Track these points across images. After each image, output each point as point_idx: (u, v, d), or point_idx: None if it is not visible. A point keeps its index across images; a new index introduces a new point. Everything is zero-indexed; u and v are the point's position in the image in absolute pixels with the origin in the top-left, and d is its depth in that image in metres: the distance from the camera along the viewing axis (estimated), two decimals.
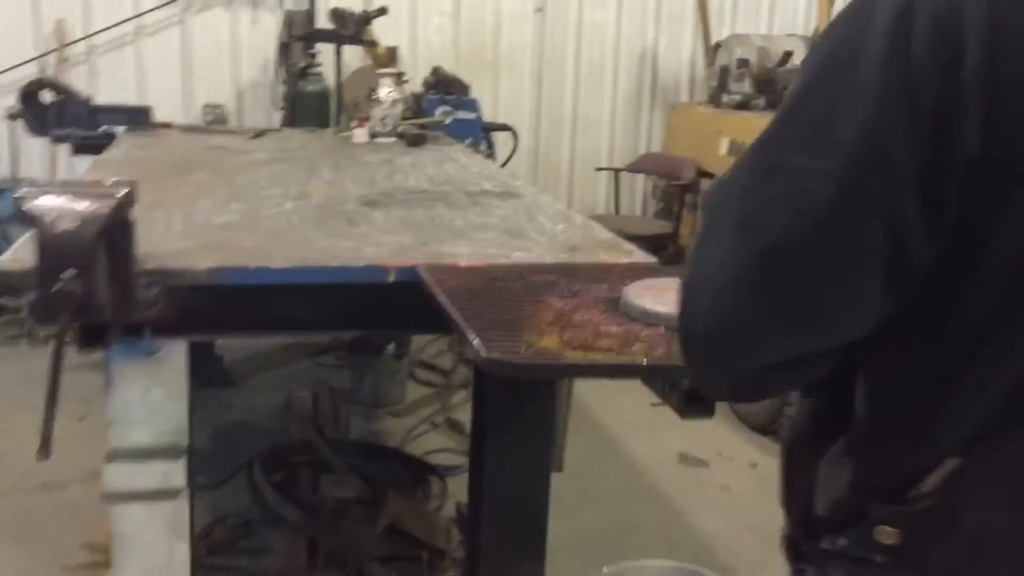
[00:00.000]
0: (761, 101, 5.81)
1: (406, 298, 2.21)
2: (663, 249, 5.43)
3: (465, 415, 3.92)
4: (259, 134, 4.53)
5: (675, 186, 5.80)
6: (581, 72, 6.66)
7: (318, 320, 2.32)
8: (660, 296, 1.94)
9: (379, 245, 2.39)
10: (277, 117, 5.82)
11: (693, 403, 1.70)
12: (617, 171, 6.23)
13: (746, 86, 5.90)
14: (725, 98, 5.95)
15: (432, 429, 4.38)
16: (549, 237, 2.58)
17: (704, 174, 5.64)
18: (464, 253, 2.35)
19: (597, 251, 2.45)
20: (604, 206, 6.67)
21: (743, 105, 5.80)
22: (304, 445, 3.84)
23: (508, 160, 5.73)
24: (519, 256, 2.36)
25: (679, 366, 1.26)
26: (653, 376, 1.72)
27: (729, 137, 5.42)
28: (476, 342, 1.68)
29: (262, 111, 6.03)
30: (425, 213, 2.80)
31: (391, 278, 2.22)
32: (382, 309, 2.31)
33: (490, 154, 5.63)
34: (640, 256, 2.43)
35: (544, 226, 2.71)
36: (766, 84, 5.82)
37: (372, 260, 2.26)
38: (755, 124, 5.18)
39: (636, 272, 2.25)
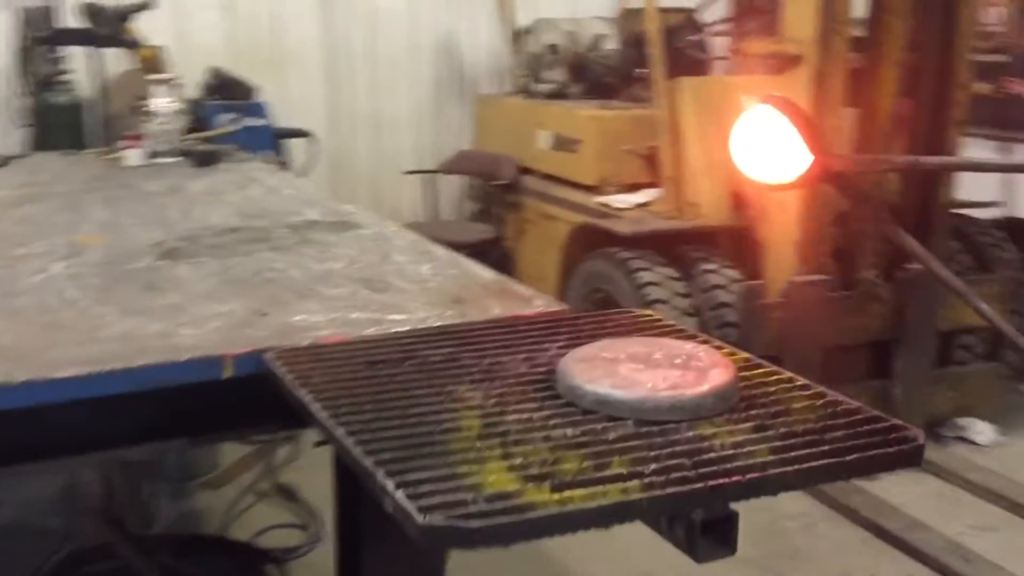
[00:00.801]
0: (576, 88, 5.43)
1: (244, 390, 1.60)
2: (485, 256, 4.97)
3: (296, 476, 3.37)
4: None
5: (494, 186, 5.32)
6: (377, 66, 6.05)
7: (117, 435, 1.67)
8: (611, 371, 1.43)
9: (199, 322, 1.75)
10: (18, 137, 4.84)
11: (710, 538, 1.20)
12: (429, 173, 5.68)
13: (559, 73, 5.50)
14: (537, 87, 5.53)
15: (259, 500, 3.69)
16: (418, 285, 2.02)
17: (525, 171, 5.20)
18: (320, 323, 1.75)
19: (487, 300, 1.91)
20: (413, 212, 6.10)
21: (558, 94, 5.40)
22: (100, 550, 3.07)
23: (307, 170, 5.06)
24: (394, 319, 1.78)
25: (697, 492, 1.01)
26: (658, 511, 1.21)
27: (551, 130, 4.99)
28: (402, 499, 1.10)
29: None
30: (248, 263, 2.16)
31: (226, 373, 1.59)
32: (212, 411, 1.68)
33: (283, 165, 4.94)
34: (542, 300, 1.91)
35: (405, 268, 2.14)
36: (579, 70, 5.44)
37: (196, 349, 1.61)
38: (578, 115, 4.79)
39: (550, 327, 1.73)
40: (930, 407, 3.89)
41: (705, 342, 1.70)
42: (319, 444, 1.66)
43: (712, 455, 1.24)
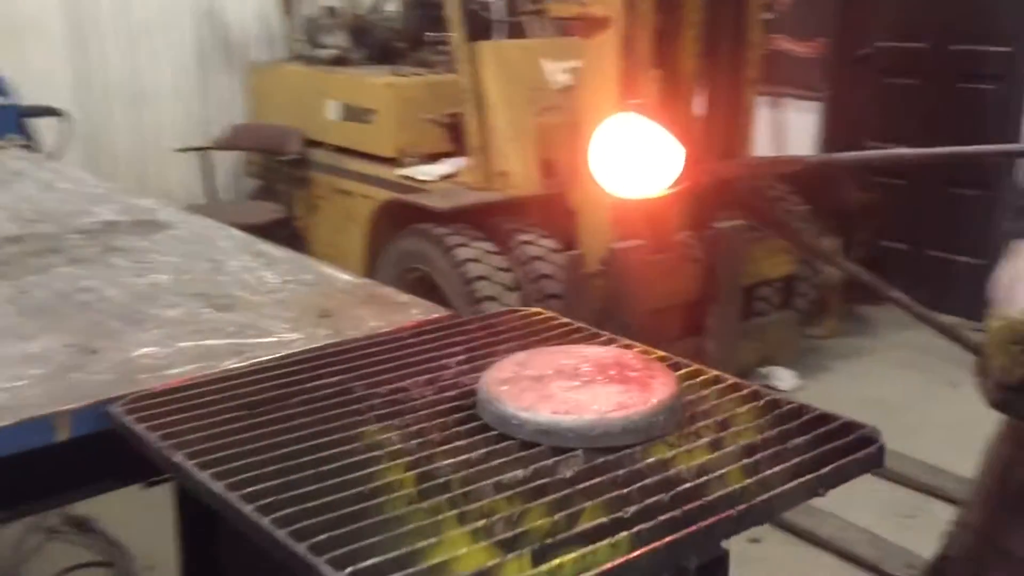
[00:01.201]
0: (359, 54, 5.15)
1: (86, 450, 1.31)
2: (274, 237, 4.63)
3: (92, 508, 2.95)
4: None
5: (280, 162, 4.96)
6: (131, 33, 5.46)
7: None
8: (544, 393, 1.26)
9: (9, 368, 1.41)
10: None
11: None
12: (203, 150, 5.21)
13: (339, 38, 5.19)
14: (317, 53, 5.18)
15: (51, 537, 3.24)
16: (269, 296, 1.75)
17: (312, 143, 4.87)
18: (168, 357, 1.46)
19: (357, 311, 1.68)
20: (187, 193, 5.60)
21: (341, 60, 5.09)
22: None
23: (59, 153, 4.48)
24: (258, 344, 1.52)
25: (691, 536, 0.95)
26: (658, 567, 1.05)
27: (339, 100, 4.69)
28: None
29: None
30: (47, 283, 1.80)
31: (61, 435, 1.28)
32: (41, 476, 1.36)
33: (30, 147, 4.35)
34: (424, 305, 1.71)
35: (244, 276, 1.86)
36: (361, 34, 5.16)
37: (22, 408, 1.29)
38: (371, 84, 4.52)
39: (439, 338, 1.54)
40: (739, 359, 4.00)
41: (611, 340, 1.57)
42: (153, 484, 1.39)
43: (686, 485, 1.10)
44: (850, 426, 1.25)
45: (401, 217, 3.92)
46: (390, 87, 4.39)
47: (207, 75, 5.78)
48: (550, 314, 1.68)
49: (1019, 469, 1.51)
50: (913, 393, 4.21)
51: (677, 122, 3.49)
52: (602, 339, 1.58)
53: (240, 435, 1.21)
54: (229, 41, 5.81)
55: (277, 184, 5.10)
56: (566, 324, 1.64)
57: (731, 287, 3.88)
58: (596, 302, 3.52)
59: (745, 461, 1.17)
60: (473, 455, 1.17)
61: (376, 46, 5.11)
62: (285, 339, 1.54)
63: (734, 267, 3.84)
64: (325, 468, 1.13)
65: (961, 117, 4.81)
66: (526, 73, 4.01)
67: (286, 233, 4.75)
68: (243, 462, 1.14)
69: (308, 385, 1.36)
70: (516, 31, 4.61)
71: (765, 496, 1.09)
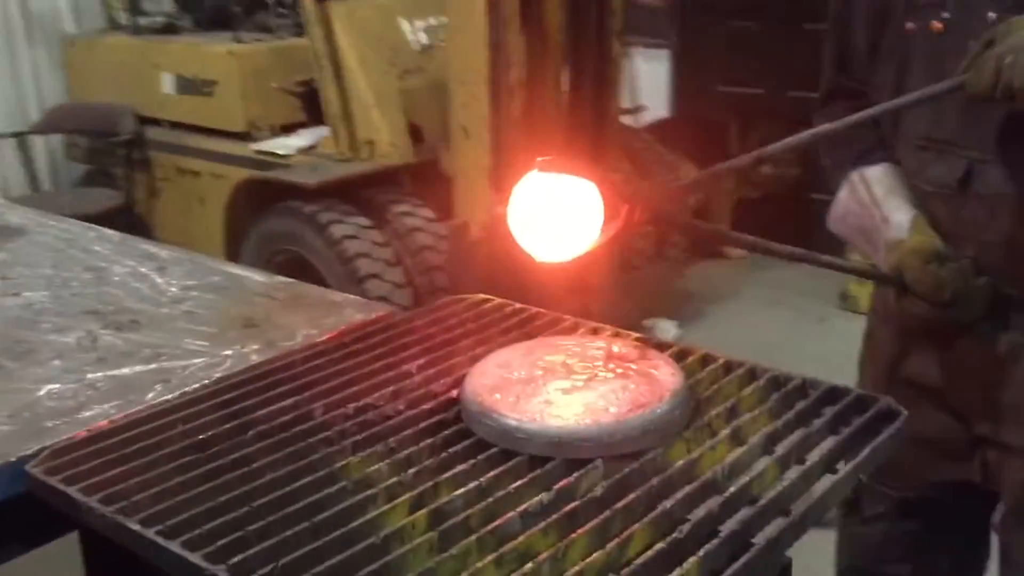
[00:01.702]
0: (187, 20, 4.76)
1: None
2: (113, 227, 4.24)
3: None
4: None
5: (111, 143, 4.54)
6: None
7: None
8: (546, 399, 1.12)
9: None
10: None
11: None
12: (18, 136, 4.71)
13: (165, 4, 4.78)
14: (140, 22, 4.75)
15: None
16: (177, 307, 1.52)
17: (146, 120, 4.48)
18: (77, 393, 1.23)
19: (285, 317, 1.48)
20: (4, 184, 5.07)
21: (170, 28, 4.69)
22: None
23: None
24: (182, 367, 1.30)
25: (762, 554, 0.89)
26: None
27: (174, 72, 4.32)
28: None
29: None
30: None
31: None
32: None
33: None
34: (356, 303, 1.53)
35: (137, 285, 1.62)
36: (191, 0, 4.77)
37: None
38: (211, 53, 4.18)
39: (387, 340, 1.37)
40: (622, 313, 3.97)
41: (575, 325, 1.44)
42: None
43: (731, 490, 0.99)
44: (864, 400, 1.18)
45: (263, 196, 3.65)
46: (232, 55, 4.06)
47: (12, 52, 5.22)
48: (497, 300, 1.54)
49: (905, 364, 1.55)
50: (786, 331, 4.31)
51: (546, 89, 3.42)
52: (566, 324, 1.45)
53: (199, 488, 1.01)
54: (30, 11, 5.24)
55: (110, 168, 4.68)
56: (521, 310, 1.50)
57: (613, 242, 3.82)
58: (482, 270, 3.38)
59: (778, 453, 1.07)
60: (483, 481, 1.02)
61: (207, 11, 4.72)
62: (213, 359, 1.33)
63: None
64: (319, 519, 0.95)
65: (807, 58, 4.89)
66: (383, 34, 3.79)
67: (126, 222, 4.37)
68: (214, 524, 0.95)
69: (259, 414, 1.17)
70: None
71: (817, 494, 1.00)
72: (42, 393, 1.23)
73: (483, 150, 3.42)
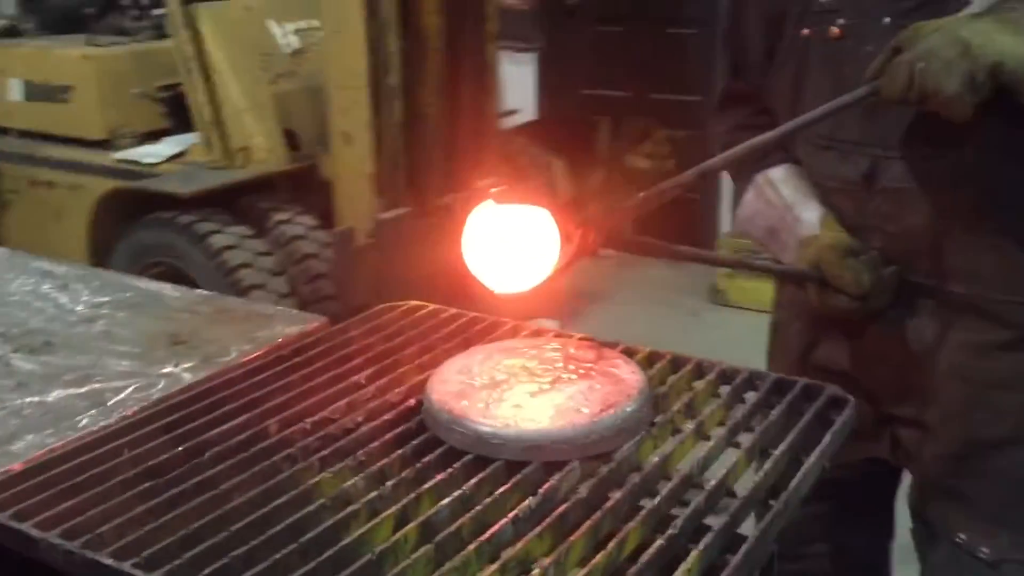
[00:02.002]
0: (31, 23, 4.49)
1: None
2: None
3: None
4: None
5: None
6: None
7: None
8: (518, 403, 1.12)
9: None
10: None
11: None
12: None
13: (5, 6, 4.49)
14: None
15: None
16: (91, 326, 1.43)
17: None
18: (3, 422, 1.14)
19: (214, 331, 1.42)
20: None
21: (12, 31, 4.41)
22: None
23: None
24: (113, 390, 1.23)
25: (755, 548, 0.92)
26: None
27: (21, 77, 4.06)
28: None
29: None
30: None
31: None
32: None
33: None
34: (286, 315, 1.47)
35: (39, 304, 1.51)
36: (36, 1, 4.50)
37: None
38: (64, 57, 3.95)
39: (327, 351, 1.33)
40: (507, 314, 3.99)
41: (516, 328, 1.44)
42: None
43: (711, 484, 1.01)
44: (811, 388, 1.23)
45: (131, 207, 3.48)
46: (88, 59, 3.85)
47: None
48: (431, 306, 1.52)
49: (816, 353, 1.61)
50: (661, 325, 4.43)
51: (426, 94, 3.40)
52: (506, 327, 1.45)
53: (166, 515, 0.96)
54: None
55: None
56: (457, 315, 1.49)
57: None
58: (369, 277, 3.33)
59: (744, 446, 1.10)
60: (465, 490, 1.00)
61: (54, 13, 4.47)
62: (147, 380, 1.26)
63: None
64: (304, 540, 0.92)
65: (667, 61, 5.07)
66: (253, 37, 3.68)
67: None
68: (194, 552, 0.90)
69: (211, 434, 1.11)
70: None
71: (793, 483, 1.03)
72: None
73: (365, 155, 3.37)
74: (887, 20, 1.35)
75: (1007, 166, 1.33)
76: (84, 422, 1.15)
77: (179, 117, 3.81)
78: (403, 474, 1.04)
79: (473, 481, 1.02)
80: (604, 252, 4.98)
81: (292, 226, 3.39)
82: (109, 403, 1.19)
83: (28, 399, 1.20)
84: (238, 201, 3.41)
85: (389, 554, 0.91)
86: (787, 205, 1.54)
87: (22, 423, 1.15)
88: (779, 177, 1.56)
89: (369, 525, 0.95)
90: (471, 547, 0.90)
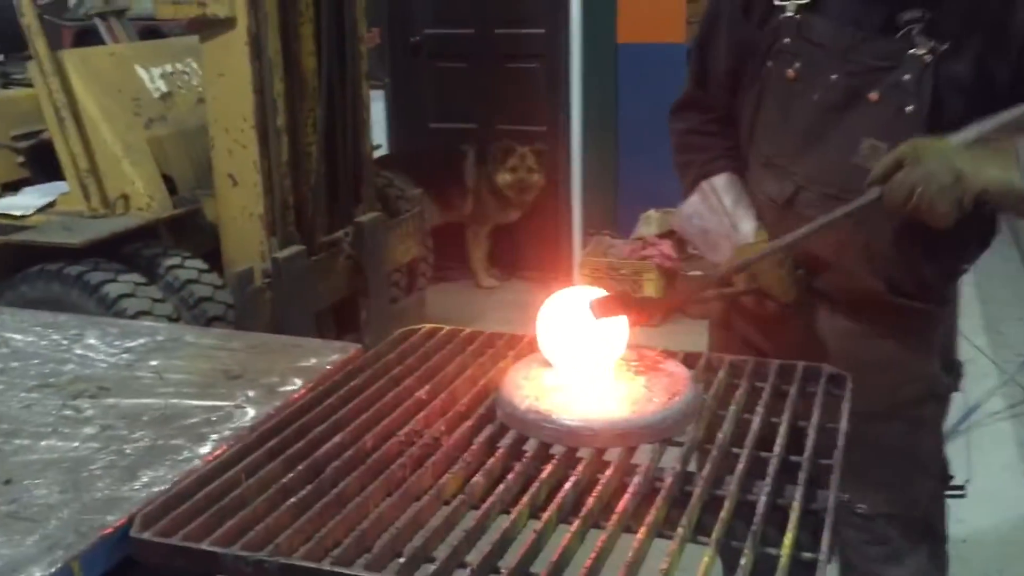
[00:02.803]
0: None
1: None
2: None
3: None
4: None
5: None
6: None
7: None
8: (588, 399, 1.28)
9: None
10: None
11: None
12: None
13: None
14: None
15: None
16: (134, 369, 1.47)
17: None
18: (107, 463, 1.19)
19: (262, 364, 1.48)
20: None
21: None
22: None
23: None
24: (210, 422, 1.29)
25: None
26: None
27: None
28: None
29: None
30: None
31: None
32: None
33: None
34: (317, 344, 1.56)
35: (71, 353, 1.53)
36: None
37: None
38: None
39: (375, 372, 1.44)
40: None
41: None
42: None
43: (776, 454, 1.21)
44: (812, 369, 1.45)
45: (8, 262, 3.34)
46: None
47: None
48: (445, 328, 1.65)
49: (752, 339, 1.80)
50: None
51: (306, 133, 3.48)
52: (525, 340, 1.60)
53: (325, 525, 1.05)
54: None
55: None
56: (476, 333, 1.62)
57: (379, 279, 3.94)
58: (267, 316, 3.37)
59: (785, 425, 1.30)
60: (579, 475, 1.15)
61: None
62: (225, 412, 1.32)
63: (379, 258, 3.91)
64: (470, 528, 1.04)
65: (510, 95, 5.33)
66: (123, 82, 3.62)
67: None
68: (379, 547, 1.00)
69: (320, 453, 1.21)
70: (86, 38, 4.12)
71: (838, 459, 1.23)
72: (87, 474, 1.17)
73: (255, 196, 3.41)
74: (834, 77, 1.54)
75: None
76: (190, 454, 1.21)
77: (39, 166, 3.70)
78: (515, 468, 1.18)
79: (580, 467, 1.18)
80: (485, 282, 5.10)
81: (184, 271, 3.36)
82: (214, 434, 1.26)
83: (120, 444, 1.24)
84: (121, 249, 3.35)
85: (544, 534, 1.05)
86: (727, 213, 1.73)
87: (133, 460, 1.20)
88: (721, 185, 1.75)
89: (515, 513, 1.08)
90: (613, 519, 1.06)
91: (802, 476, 1.15)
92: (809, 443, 1.24)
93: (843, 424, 1.29)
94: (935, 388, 1.72)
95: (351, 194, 3.87)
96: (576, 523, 1.06)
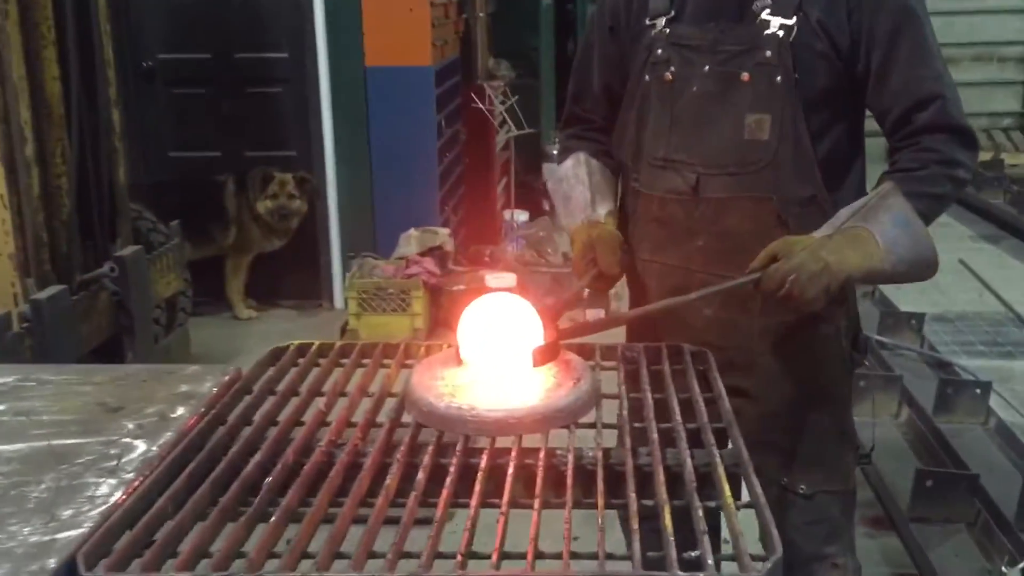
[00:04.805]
0: None
1: None
2: None
3: None
4: None
5: None
6: None
7: None
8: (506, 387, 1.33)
9: None
10: None
11: None
12: None
13: None
14: None
15: None
16: None
17: None
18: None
19: (141, 393, 1.39)
20: None
21: None
22: None
23: None
24: (104, 456, 1.19)
25: None
26: None
27: None
28: None
29: None
30: None
31: None
32: None
33: None
34: (197, 370, 1.49)
35: None
36: None
37: None
38: None
39: (263, 388, 1.41)
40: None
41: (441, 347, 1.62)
42: None
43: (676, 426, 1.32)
44: (675, 348, 1.58)
45: None
46: None
47: None
48: (316, 343, 1.63)
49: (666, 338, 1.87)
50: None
51: (55, 163, 3.23)
52: (425, 346, 1.61)
53: (287, 534, 1.03)
54: None
55: None
56: (349, 345, 1.62)
57: (143, 316, 3.72)
58: (27, 363, 3.08)
59: (680, 397, 1.41)
60: (515, 460, 1.20)
61: None
62: (132, 442, 1.24)
63: (144, 294, 3.69)
64: (438, 519, 1.06)
65: (256, 120, 5.21)
66: None
67: None
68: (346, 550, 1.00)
69: (250, 468, 1.17)
70: None
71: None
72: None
73: (3, 234, 3.12)
74: (706, 68, 1.73)
75: (795, 184, 1.70)
76: (106, 489, 1.13)
77: None
78: (453, 462, 1.20)
79: (513, 454, 1.22)
80: (244, 314, 4.95)
81: None
82: (112, 468, 1.17)
83: (23, 488, 1.13)
84: None
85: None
86: (591, 188, 1.87)
87: (47, 501, 1.09)
88: (595, 165, 1.90)
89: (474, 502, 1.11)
90: (567, 497, 1.12)
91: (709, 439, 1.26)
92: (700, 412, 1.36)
93: (720, 390, 1.42)
94: (851, 365, 1.86)
95: (106, 228, 3.63)
96: (537, 503, 1.10)
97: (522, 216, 5.96)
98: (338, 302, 5.17)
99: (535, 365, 1.38)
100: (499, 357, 1.37)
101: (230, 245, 4.94)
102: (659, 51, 1.77)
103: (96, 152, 3.56)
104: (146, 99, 5.21)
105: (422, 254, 4.89)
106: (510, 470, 1.19)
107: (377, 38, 4.94)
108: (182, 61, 5.20)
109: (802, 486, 1.79)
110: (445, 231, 5.02)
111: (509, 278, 5.22)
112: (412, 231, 4.96)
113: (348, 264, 4.99)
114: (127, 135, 5.23)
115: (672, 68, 1.76)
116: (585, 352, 1.57)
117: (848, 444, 1.88)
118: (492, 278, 5.36)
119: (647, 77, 1.80)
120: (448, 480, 1.16)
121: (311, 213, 5.04)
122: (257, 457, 1.21)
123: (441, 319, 4.72)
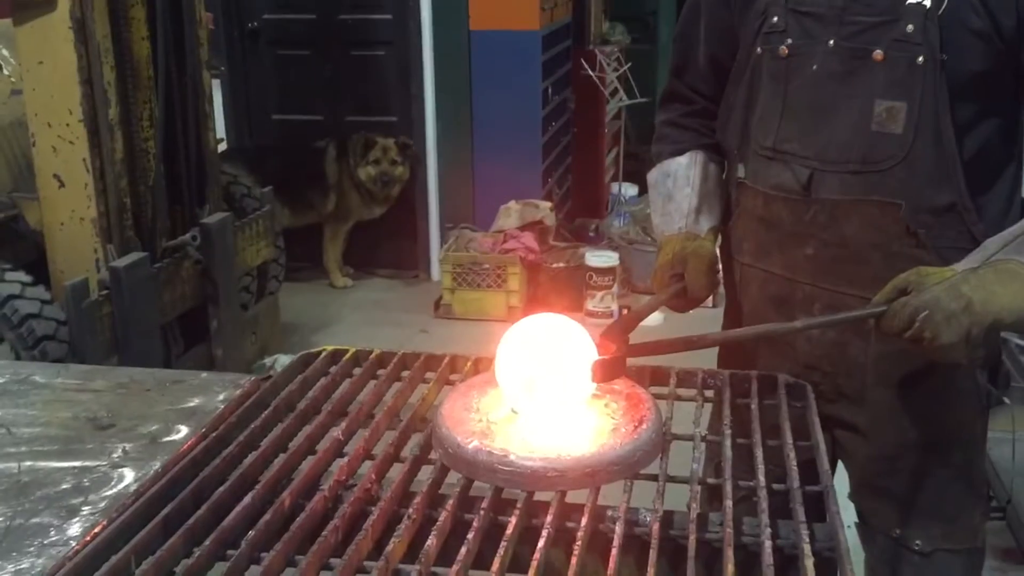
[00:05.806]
0: None
1: None
2: None
3: None
4: None
5: None
6: None
7: None
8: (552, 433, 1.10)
9: None
10: None
11: None
12: None
13: None
14: None
15: None
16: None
17: None
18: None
19: (138, 408, 1.23)
20: None
21: None
22: None
23: None
24: (92, 487, 1.03)
25: None
26: None
27: None
28: None
29: None
30: None
31: None
32: None
33: None
34: (213, 378, 1.31)
35: None
36: None
37: None
38: None
39: (282, 400, 1.22)
40: (246, 354, 3.80)
41: (454, 360, 1.40)
42: None
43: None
44: (767, 378, 1.33)
45: None
46: None
47: None
48: (351, 349, 1.43)
49: (759, 362, 1.63)
50: (394, 345, 4.41)
51: (142, 126, 3.14)
52: (445, 359, 1.41)
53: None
54: None
55: None
56: (389, 354, 1.42)
57: (229, 285, 3.62)
58: (106, 331, 3.01)
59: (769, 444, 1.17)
60: (550, 526, 0.97)
61: None
62: (112, 471, 1.07)
63: (229, 263, 3.59)
64: None
65: (357, 81, 5.06)
66: None
67: None
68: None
69: (234, 516, 0.98)
70: None
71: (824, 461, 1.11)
72: None
73: (86, 198, 3.04)
74: (831, 42, 1.42)
75: (931, 188, 1.39)
76: (58, 534, 0.96)
77: None
78: (473, 523, 0.99)
79: (549, 516, 1.00)
80: (339, 282, 4.88)
81: (4, 284, 2.96)
82: (76, 506, 1.00)
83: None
84: None
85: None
86: (699, 195, 1.63)
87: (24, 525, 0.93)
88: (713, 171, 1.65)
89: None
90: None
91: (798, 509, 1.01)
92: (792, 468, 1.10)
93: (819, 440, 1.16)
94: (987, 403, 1.54)
95: (195, 194, 3.53)
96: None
97: (631, 190, 5.68)
98: (435, 274, 5.01)
99: (595, 380, 1.15)
100: (544, 392, 1.13)
101: (330, 213, 4.83)
102: (774, 19, 1.47)
103: (185, 116, 3.46)
104: (251, 61, 5.13)
105: (522, 228, 4.68)
106: (543, 534, 0.96)
107: (483, 1, 4.71)
108: (287, 22, 5.09)
109: (918, 541, 1.50)
110: (547, 204, 4.79)
111: (611, 256, 5.00)
112: (512, 203, 4.75)
113: (446, 235, 4.82)
114: (233, 97, 5.23)
115: (789, 40, 1.46)
116: (660, 376, 1.33)
117: (977, 495, 1.56)
118: (592, 256, 5.14)
119: (759, 49, 1.50)
120: (464, 549, 0.94)
121: (411, 181, 4.88)
122: (247, 499, 1.02)
123: (539, 297, 4.51)
